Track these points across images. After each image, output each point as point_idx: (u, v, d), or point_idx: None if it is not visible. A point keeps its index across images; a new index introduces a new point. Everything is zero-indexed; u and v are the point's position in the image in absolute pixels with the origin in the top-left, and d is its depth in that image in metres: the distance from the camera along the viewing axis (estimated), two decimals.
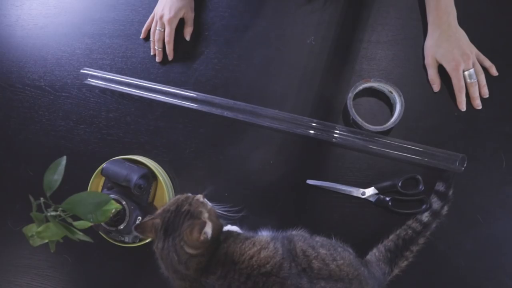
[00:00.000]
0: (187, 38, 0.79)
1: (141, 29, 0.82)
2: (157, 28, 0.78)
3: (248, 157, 0.75)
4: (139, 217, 0.67)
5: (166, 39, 0.78)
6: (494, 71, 0.71)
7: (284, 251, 0.54)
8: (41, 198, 0.51)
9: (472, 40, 0.72)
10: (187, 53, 0.80)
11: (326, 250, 0.56)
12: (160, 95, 0.77)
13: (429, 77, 0.72)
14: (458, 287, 0.69)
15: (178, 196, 0.58)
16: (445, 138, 0.71)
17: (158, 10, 0.79)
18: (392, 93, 0.70)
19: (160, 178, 0.71)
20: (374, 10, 0.76)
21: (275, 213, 0.73)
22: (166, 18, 0.76)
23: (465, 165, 0.67)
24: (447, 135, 0.71)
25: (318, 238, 0.60)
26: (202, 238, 0.50)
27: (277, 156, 0.74)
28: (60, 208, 0.51)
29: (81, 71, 0.81)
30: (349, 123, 0.72)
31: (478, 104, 0.70)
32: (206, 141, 0.77)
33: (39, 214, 0.51)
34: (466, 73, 0.69)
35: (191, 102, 0.76)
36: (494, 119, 0.71)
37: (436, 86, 0.72)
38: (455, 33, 0.70)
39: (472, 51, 0.70)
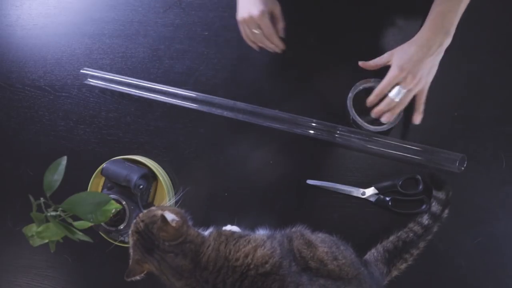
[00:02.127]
0: (281, 34, 0.70)
1: (141, 29, 0.82)
2: (253, 31, 0.67)
3: (248, 157, 0.75)
4: None
5: (266, 34, 0.67)
6: (416, 120, 0.67)
7: (283, 250, 0.54)
8: (41, 198, 0.51)
9: (472, 39, 0.72)
10: (187, 53, 0.80)
11: (328, 247, 0.55)
12: (160, 95, 0.77)
13: (374, 61, 0.67)
14: (458, 287, 0.69)
15: (130, 230, 0.59)
16: (445, 138, 0.71)
17: (242, 14, 0.68)
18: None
19: (160, 178, 0.71)
20: (374, 10, 0.76)
21: (275, 213, 0.73)
22: (256, 15, 0.65)
23: (465, 165, 0.67)
24: (447, 135, 0.71)
25: (320, 234, 0.60)
26: (175, 225, 0.54)
27: (277, 156, 0.74)
28: (60, 208, 0.51)
29: (81, 71, 0.81)
30: (349, 123, 0.72)
31: (384, 119, 0.66)
32: (206, 141, 0.77)
33: (39, 214, 0.51)
34: (397, 88, 0.63)
35: (191, 102, 0.75)
36: (494, 119, 0.71)
37: (366, 65, 0.68)
38: (431, 60, 0.63)
39: (424, 86, 0.64)
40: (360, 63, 0.69)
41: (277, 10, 0.69)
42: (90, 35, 0.84)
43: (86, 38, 0.84)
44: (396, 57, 0.64)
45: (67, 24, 0.85)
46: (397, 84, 0.63)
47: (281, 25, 0.71)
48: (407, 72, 0.61)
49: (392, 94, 0.63)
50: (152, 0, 0.82)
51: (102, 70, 0.81)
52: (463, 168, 0.67)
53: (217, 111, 0.74)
